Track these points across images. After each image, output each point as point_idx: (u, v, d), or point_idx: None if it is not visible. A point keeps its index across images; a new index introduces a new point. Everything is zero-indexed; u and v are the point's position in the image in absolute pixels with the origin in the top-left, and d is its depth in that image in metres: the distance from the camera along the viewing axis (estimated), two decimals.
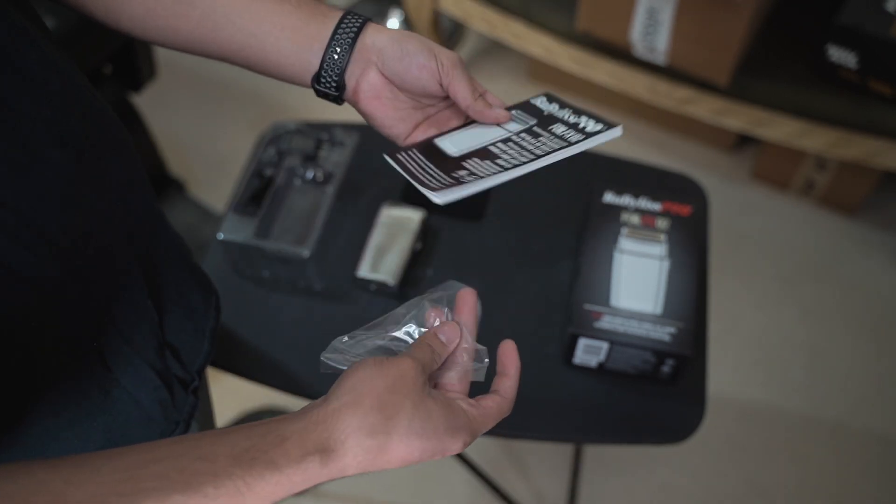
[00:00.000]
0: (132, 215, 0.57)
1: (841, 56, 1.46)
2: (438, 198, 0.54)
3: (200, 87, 2.10)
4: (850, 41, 1.42)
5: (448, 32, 2.09)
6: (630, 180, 1.05)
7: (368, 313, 0.91)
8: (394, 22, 2.11)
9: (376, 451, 0.45)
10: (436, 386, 0.52)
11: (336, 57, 0.58)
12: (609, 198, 0.96)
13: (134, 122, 1.55)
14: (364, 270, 0.94)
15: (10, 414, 0.47)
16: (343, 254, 0.98)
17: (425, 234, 1.00)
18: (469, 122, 0.64)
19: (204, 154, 1.97)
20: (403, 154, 0.61)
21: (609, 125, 0.59)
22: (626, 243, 0.92)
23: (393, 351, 0.53)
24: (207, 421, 0.82)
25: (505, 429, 0.91)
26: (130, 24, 0.59)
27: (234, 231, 0.95)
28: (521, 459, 1.52)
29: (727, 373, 1.62)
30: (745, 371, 1.63)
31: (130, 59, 1.43)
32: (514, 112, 0.64)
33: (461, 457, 1.33)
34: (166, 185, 1.69)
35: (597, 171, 1.09)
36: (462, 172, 0.57)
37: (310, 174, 1.00)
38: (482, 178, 0.56)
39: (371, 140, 0.99)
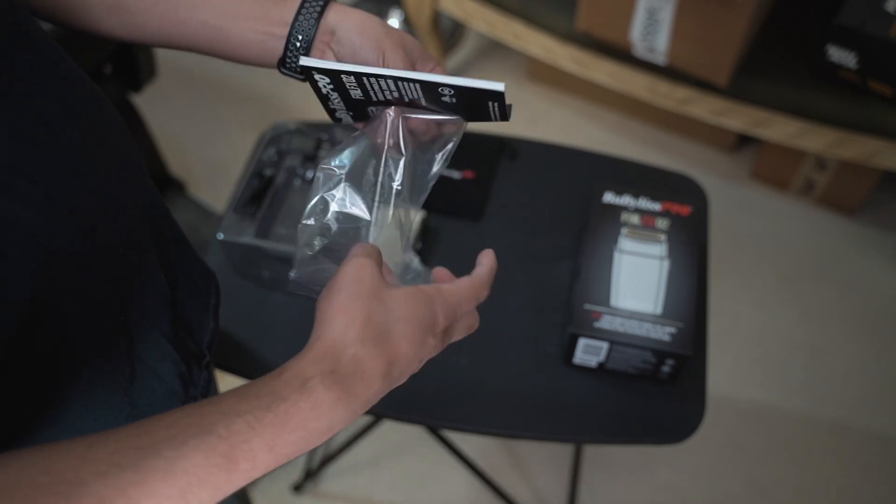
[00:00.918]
0: (142, 192, 0.58)
1: (841, 56, 1.46)
2: (305, 60, 0.56)
3: (200, 88, 2.10)
4: (849, 41, 1.42)
5: (448, 32, 2.09)
6: (630, 180, 1.05)
7: None
8: (394, 22, 2.11)
9: (380, 353, 0.48)
10: None
11: (298, 44, 0.59)
12: (609, 198, 0.96)
13: (134, 122, 1.55)
14: None
15: (51, 389, 0.48)
16: None
17: (425, 234, 1.00)
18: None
19: (204, 154, 1.97)
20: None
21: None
22: (626, 243, 0.92)
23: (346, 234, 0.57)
24: None
25: (505, 429, 0.92)
26: (95, 23, 0.60)
27: (234, 231, 0.95)
28: (521, 459, 1.52)
29: (727, 373, 1.62)
30: (744, 371, 1.63)
31: (130, 59, 1.43)
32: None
33: (461, 457, 1.33)
34: (166, 185, 1.69)
35: (597, 171, 1.09)
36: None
37: (310, 174, 1.00)
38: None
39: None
